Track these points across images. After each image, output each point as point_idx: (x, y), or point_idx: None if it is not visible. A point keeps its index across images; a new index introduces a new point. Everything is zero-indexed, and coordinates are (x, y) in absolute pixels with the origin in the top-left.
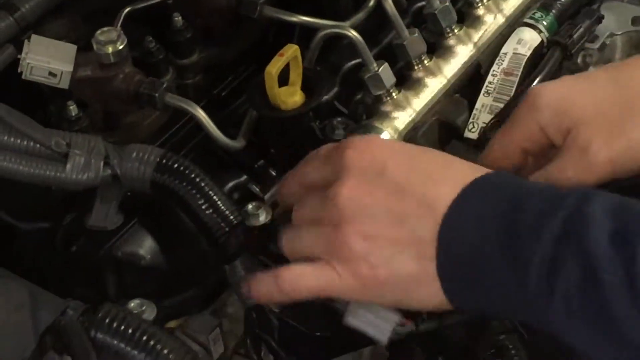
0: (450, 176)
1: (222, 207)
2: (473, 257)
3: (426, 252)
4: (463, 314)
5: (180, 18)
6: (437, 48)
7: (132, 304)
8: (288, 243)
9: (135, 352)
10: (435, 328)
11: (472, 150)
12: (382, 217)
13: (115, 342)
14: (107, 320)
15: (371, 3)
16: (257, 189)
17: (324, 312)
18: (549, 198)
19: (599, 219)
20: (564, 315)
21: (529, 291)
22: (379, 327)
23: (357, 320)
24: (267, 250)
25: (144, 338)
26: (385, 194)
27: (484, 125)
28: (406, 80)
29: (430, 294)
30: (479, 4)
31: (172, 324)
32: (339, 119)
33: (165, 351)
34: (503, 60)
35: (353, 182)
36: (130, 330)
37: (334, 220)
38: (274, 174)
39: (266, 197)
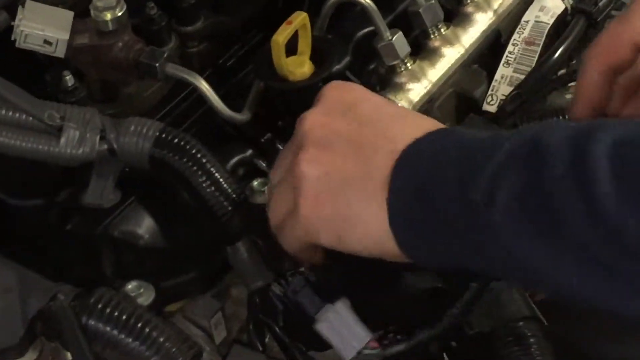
0: (418, 123)
1: (225, 185)
2: (424, 190)
3: (378, 185)
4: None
5: None
6: (455, 15)
7: (129, 286)
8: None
9: (130, 340)
10: (402, 351)
11: (491, 124)
12: (339, 145)
13: (109, 329)
14: (99, 306)
15: None
16: (264, 164)
17: (335, 290)
18: (513, 132)
19: (556, 128)
20: (508, 220)
21: (475, 207)
22: (347, 342)
23: (326, 328)
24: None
25: (139, 325)
26: (348, 124)
27: (504, 97)
28: (422, 50)
29: (372, 229)
30: None
31: (172, 307)
32: None
33: (162, 339)
34: (524, 29)
35: (319, 112)
36: (124, 317)
37: (296, 146)
38: (281, 147)
39: None
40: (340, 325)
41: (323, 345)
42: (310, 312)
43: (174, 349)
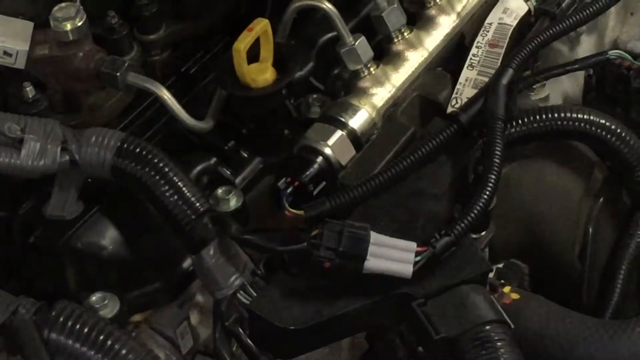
0: None
1: (188, 194)
2: None
3: None
4: None
5: None
6: (418, 19)
7: (93, 298)
8: None
9: (92, 353)
10: (451, 244)
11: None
12: None
13: (71, 342)
14: (61, 319)
15: None
16: (228, 172)
17: (298, 299)
18: None
19: None
20: None
21: None
22: (402, 259)
23: (378, 260)
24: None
25: (101, 337)
26: None
27: (468, 100)
28: (385, 54)
29: None
30: None
31: (137, 317)
32: (315, 95)
33: (124, 351)
34: (488, 31)
35: None
36: (86, 330)
37: None
38: (245, 155)
39: (237, 180)
40: (385, 250)
41: (291, 352)
42: (363, 253)
43: None
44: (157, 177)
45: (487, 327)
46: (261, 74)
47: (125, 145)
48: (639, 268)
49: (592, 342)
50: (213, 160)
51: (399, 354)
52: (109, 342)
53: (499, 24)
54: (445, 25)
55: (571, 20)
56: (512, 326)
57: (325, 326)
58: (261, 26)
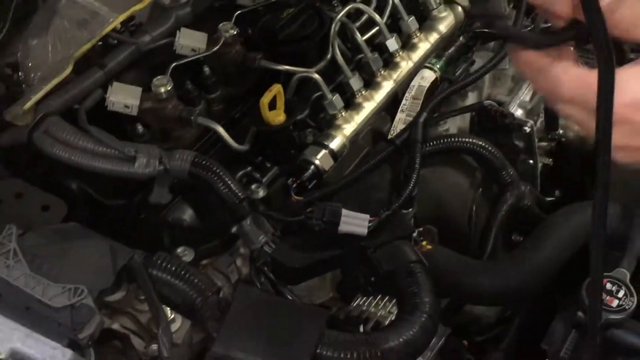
0: None
1: (234, 188)
2: None
3: None
4: None
5: (207, 68)
6: (370, 83)
7: (178, 250)
8: None
9: (177, 281)
10: (391, 215)
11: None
12: None
13: (165, 275)
14: (159, 262)
15: (328, 56)
16: (258, 176)
17: (300, 249)
18: None
19: None
20: None
21: None
22: (360, 224)
23: (346, 225)
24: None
25: (183, 272)
26: None
27: (401, 130)
28: (351, 104)
29: None
30: (397, 54)
31: (204, 262)
32: (309, 129)
33: (196, 280)
34: (412, 90)
35: None
36: (174, 268)
37: None
38: (268, 165)
39: (263, 180)
40: (351, 219)
41: (296, 281)
42: (337, 220)
43: (203, 286)
44: (216, 178)
45: (412, 265)
46: (277, 117)
47: (197, 160)
48: (503, 231)
49: (474, 274)
50: (249, 168)
51: (360, 281)
52: (187, 275)
53: (418, 85)
54: (386, 87)
55: (461, 84)
56: (427, 264)
57: (316, 265)
58: (277, 88)
